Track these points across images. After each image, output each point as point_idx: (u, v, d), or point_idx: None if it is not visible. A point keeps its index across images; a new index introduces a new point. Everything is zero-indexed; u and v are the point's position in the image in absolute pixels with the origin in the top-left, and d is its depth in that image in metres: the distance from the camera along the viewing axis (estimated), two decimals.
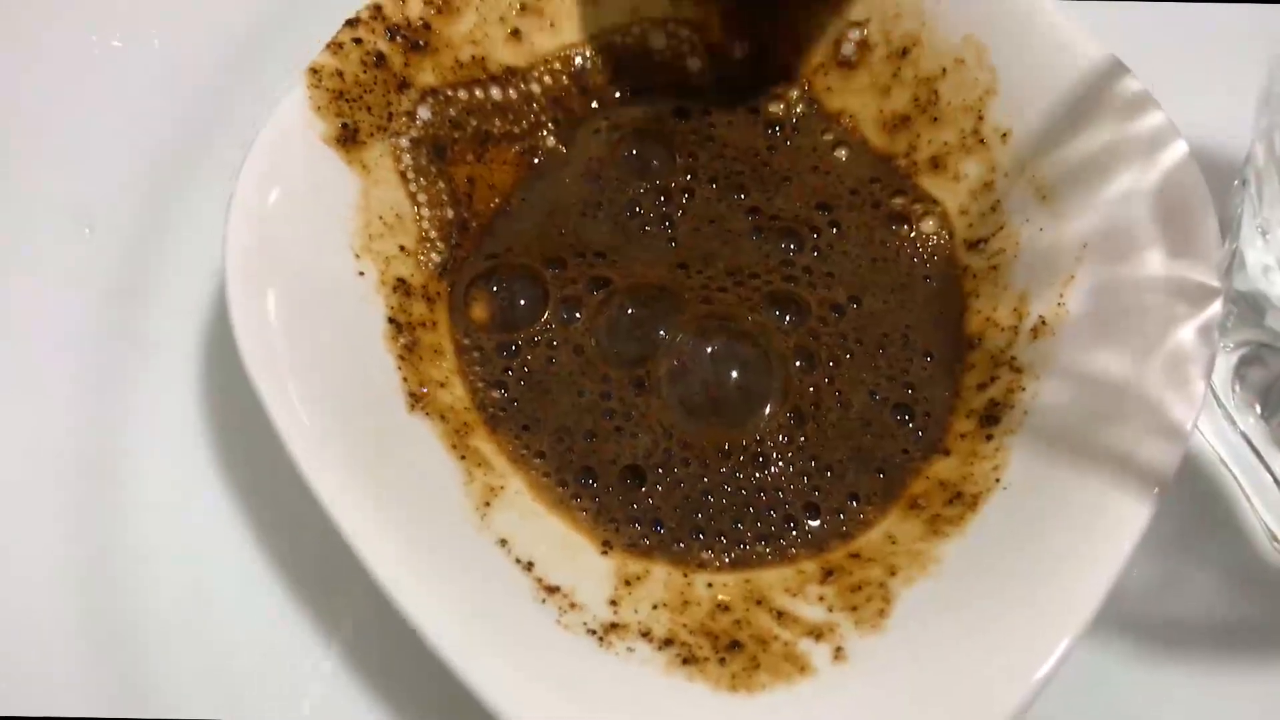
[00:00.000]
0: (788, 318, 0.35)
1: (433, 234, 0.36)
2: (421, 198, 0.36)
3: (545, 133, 0.39)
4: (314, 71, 0.34)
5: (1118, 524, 0.28)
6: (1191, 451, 0.36)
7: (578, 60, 0.39)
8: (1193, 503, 0.36)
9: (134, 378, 0.36)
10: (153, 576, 0.34)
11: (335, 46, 0.35)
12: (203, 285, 0.37)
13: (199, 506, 0.35)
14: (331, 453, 0.29)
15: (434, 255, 0.36)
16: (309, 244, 0.32)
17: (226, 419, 0.36)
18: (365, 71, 0.35)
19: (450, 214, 0.36)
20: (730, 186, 0.38)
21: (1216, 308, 0.31)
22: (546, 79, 0.39)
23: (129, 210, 0.39)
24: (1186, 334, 0.30)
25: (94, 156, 0.40)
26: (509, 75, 0.38)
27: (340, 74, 0.34)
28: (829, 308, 0.36)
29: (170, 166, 0.39)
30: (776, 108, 0.40)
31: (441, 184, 0.36)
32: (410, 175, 0.36)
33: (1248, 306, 0.33)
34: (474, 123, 0.38)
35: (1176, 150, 0.33)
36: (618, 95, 0.40)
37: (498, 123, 0.38)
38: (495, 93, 0.38)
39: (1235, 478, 0.36)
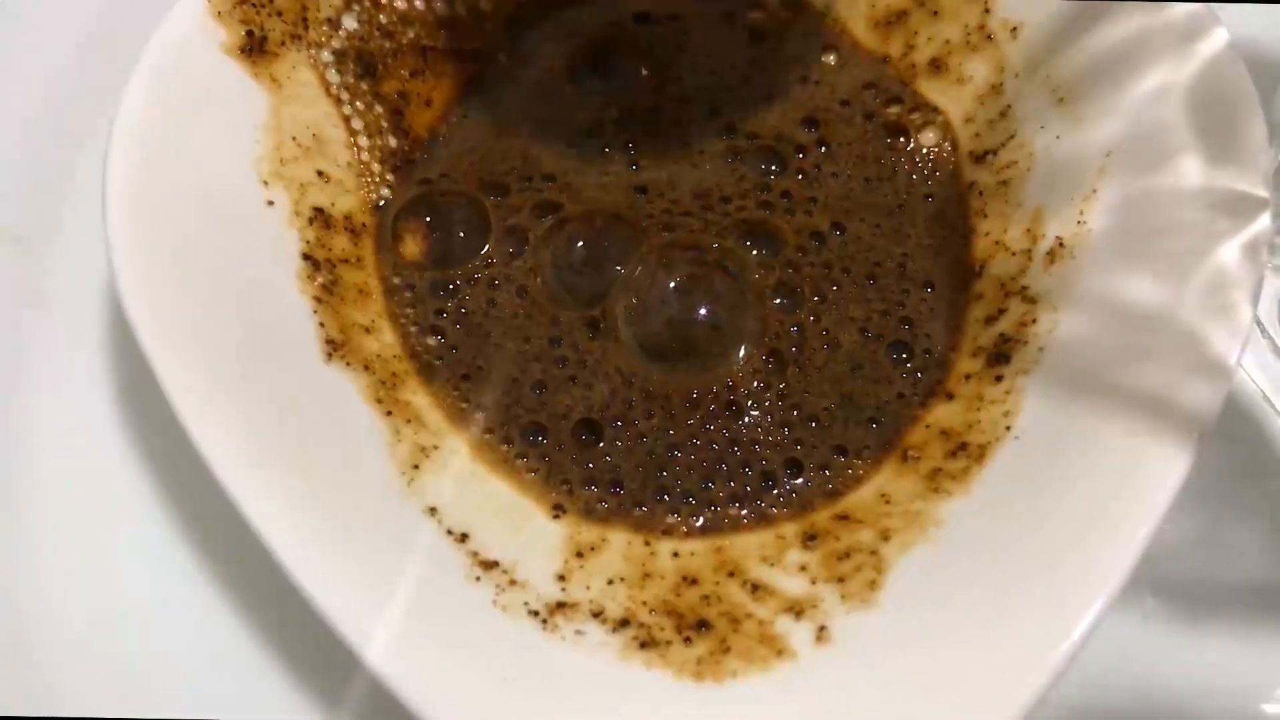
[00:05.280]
0: (760, 249, 0.31)
1: (375, 166, 0.32)
2: (357, 123, 0.32)
3: (503, 57, 0.34)
4: None
5: (1150, 477, 0.25)
6: (1231, 388, 0.32)
7: None
8: (1232, 445, 0.32)
9: (25, 335, 0.32)
10: (49, 563, 0.30)
11: None
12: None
13: (100, 480, 0.31)
14: (227, 411, 0.25)
15: (384, 189, 0.32)
16: (207, 170, 0.28)
17: (132, 380, 0.32)
18: None
19: (393, 143, 0.32)
20: (703, 102, 0.34)
21: (1265, 222, 0.27)
22: None
23: (20, 142, 0.34)
24: (1229, 254, 0.27)
25: None
26: None
27: None
28: (809, 235, 0.31)
29: (70, 89, 0.35)
30: (755, 15, 0.35)
31: (380, 107, 0.32)
32: (344, 97, 0.32)
33: None
34: (411, 34, 0.33)
35: (1216, 40, 0.29)
36: None
37: (443, 35, 0.33)
38: (440, 6, 0.33)
39: None
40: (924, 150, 0.33)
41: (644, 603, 0.26)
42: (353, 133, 0.32)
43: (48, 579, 0.30)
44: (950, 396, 0.29)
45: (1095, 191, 0.29)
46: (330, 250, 0.30)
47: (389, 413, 0.28)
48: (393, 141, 0.32)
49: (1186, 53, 0.29)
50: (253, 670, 0.29)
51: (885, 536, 0.26)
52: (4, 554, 0.30)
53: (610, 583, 0.26)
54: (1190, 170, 0.28)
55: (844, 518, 0.28)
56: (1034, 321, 0.29)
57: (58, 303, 0.33)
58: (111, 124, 0.27)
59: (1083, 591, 0.24)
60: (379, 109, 0.32)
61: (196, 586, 0.30)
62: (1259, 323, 0.32)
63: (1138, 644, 0.30)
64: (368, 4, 0.32)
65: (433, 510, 0.26)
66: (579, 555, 0.27)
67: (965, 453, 0.27)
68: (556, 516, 0.28)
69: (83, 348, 0.32)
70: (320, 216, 0.30)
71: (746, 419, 0.29)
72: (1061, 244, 0.29)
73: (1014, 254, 0.30)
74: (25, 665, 0.29)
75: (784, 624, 0.25)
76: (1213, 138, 0.28)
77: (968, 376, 0.29)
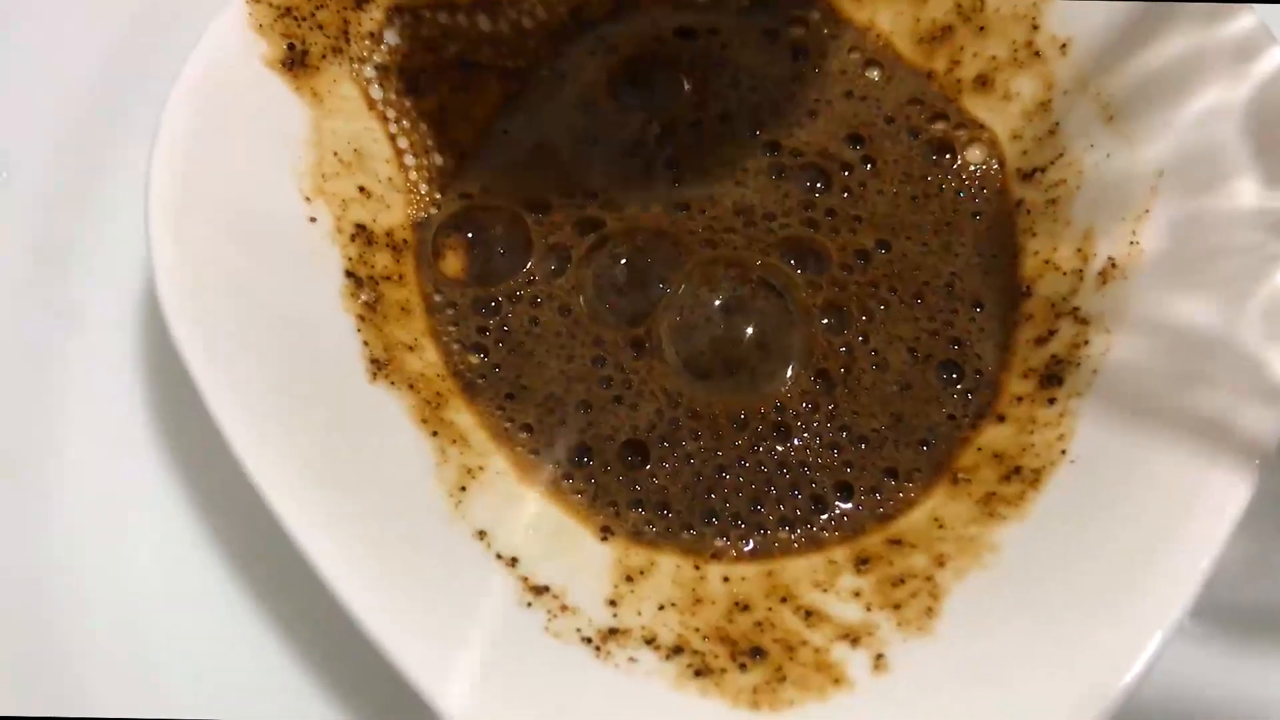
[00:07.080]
0: (804, 267, 0.31)
1: (422, 185, 0.31)
2: (403, 141, 0.31)
3: (545, 72, 0.34)
4: None
5: (1210, 504, 0.24)
6: None
7: None
8: None
9: (59, 352, 0.32)
10: (84, 580, 0.29)
11: None
12: (139, 244, 0.33)
13: (136, 499, 0.30)
14: (274, 433, 0.25)
15: (433, 209, 0.31)
16: (248, 186, 0.28)
17: (166, 398, 0.31)
18: None
19: (440, 160, 0.32)
20: (745, 118, 0.33)
21: None
22: (540, 11, 0.34)
23: (53, 155, 0.34)
24: None
25: (13, 91, 0.35)
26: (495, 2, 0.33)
27: None
28: (854, 253, 0.31)
29: (106, 102, 0.34)
30: (797, 30, 0.35)
31: (425, 125, 0.32)
32: (390, 114, 0.31)
33: None
34: (454, 48, 0.33)
35: (1270, 58, 0.28)
36: (612, 8, 0.34)
37: (485, 50, 0.33)
38: (483, 22, 0.33)
39: None
40: (970, 167, 0.32)
41: (696, 629, 0.25)
42: (399, 151, 0.31)
43: (84, 592, 0.29)
44: (1001, 419, 0.29)
45: (1148, 211, 0.29)
46: (373, 267, 0.29)
47: (434, 433, 0.27)
48: (439, 159, 0.32)
49: (1241, 72, 0.28)
50: (285, 679, 0.28)
51: (940, 562, 0.26)
52: (39, 566, 0.30)
53: (661, 608, 0.26)
54: (1246, 191, 0.27)
55: (896, 542, 0.27)
56: (1086, 343, 0.28)
57: (93, 319, 0.32)
58: (152, 139, 0.27)
59: (1144, 622, 0.23)
60: (423, 125, 0.32)
61: (233, 598, 0.29)
62: None
63: (1184, 666, 0.29)
64: (409, 19, 0.32)
65: (482, 534, 0.26)
66: (628, 579, 0.26)
67: (1019, 477, 0.27)
68: (604, 539, 0.27)
69: (119, 363, 0.32)
70: (362, 233, 0.29)
71: (795, 440, 0.29)
72: (1114, 264, 0.29)
73: (1064, 273, 0.30)
74: (61, 672, 0.29)
75: (840, 651, 0.25)
76: (1269, 159, 0.27)
77: (1019, 398, 0.29)
